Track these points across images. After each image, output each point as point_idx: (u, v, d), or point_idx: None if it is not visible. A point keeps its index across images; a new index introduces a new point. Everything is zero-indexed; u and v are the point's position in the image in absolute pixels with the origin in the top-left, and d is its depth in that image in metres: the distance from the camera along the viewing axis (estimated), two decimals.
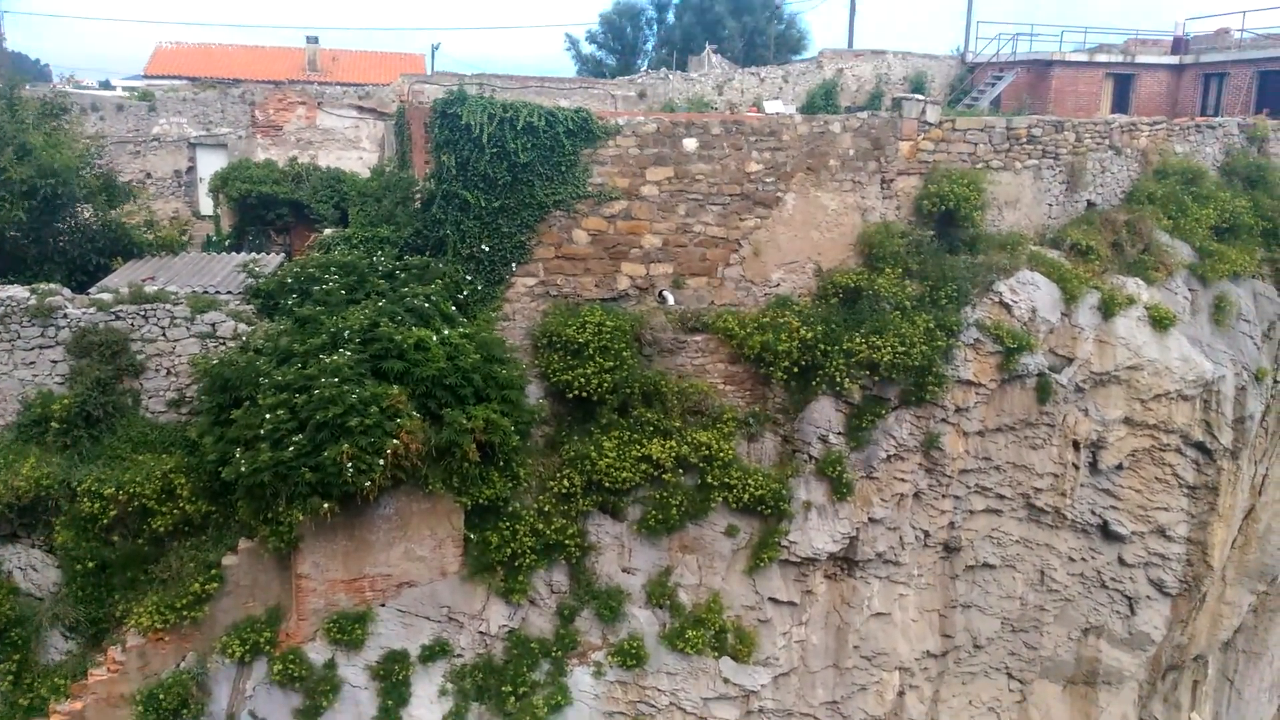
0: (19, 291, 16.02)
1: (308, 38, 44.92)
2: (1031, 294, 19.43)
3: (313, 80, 37.67)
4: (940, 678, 20.61)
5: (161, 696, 14.90)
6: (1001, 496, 20.16)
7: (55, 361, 15.95)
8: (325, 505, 14.25)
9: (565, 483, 16.86)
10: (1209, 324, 21.33)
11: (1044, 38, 34.40)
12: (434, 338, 15.36)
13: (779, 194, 18.57)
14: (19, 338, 15.86)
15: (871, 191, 19.22)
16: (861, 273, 18.67)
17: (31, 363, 15.93)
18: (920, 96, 20.52)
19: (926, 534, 19.75)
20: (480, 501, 16.04)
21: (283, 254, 22.57)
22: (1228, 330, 21.48)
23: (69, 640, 15.72)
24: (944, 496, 19.67)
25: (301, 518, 14.46)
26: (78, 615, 15.53)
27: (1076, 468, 20.38)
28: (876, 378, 18.41)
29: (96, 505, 15.00)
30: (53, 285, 16.52)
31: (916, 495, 19.47)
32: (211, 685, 15.35)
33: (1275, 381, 22.18)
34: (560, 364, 17.09)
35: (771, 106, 29.65)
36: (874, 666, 19.56)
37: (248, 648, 15.27)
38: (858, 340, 17.94)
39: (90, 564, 15.39)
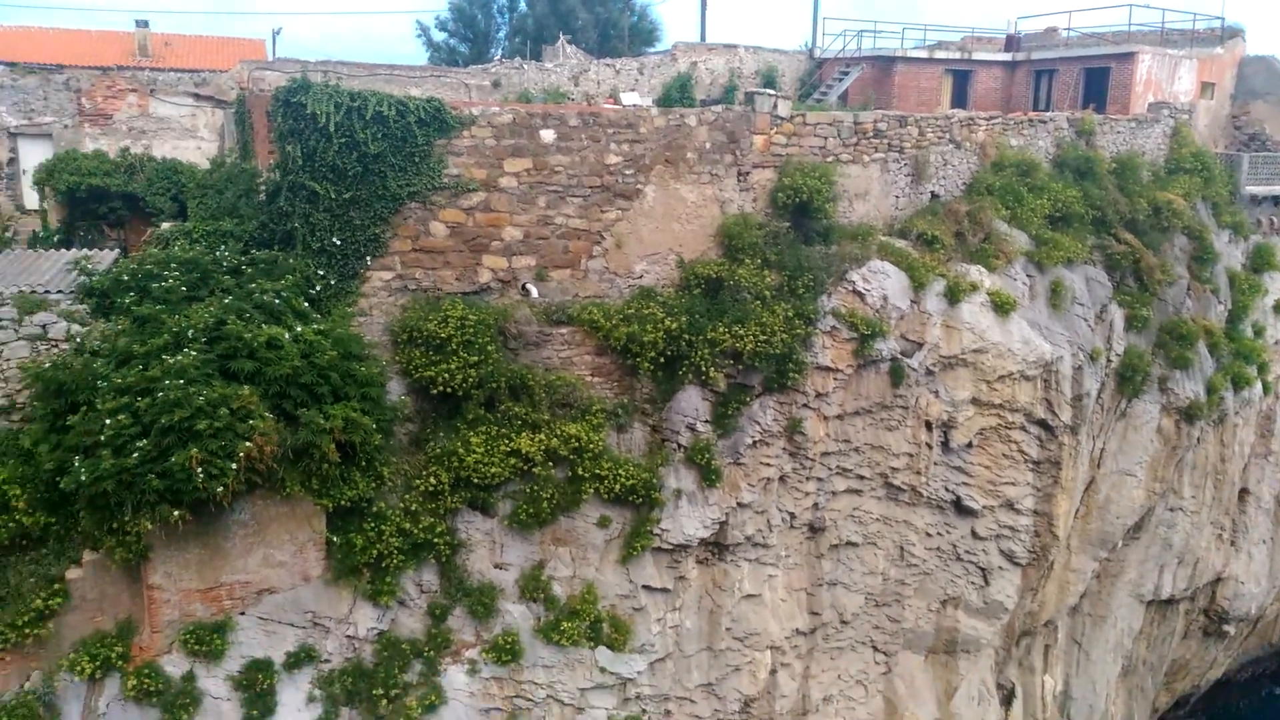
0: None
1: (137, 21, 42.32)
2: (883, 282, 20.13)
3: (144, 66, 35.56)
4: (810, 654, 21.18)
5: (6, 719, 13.88)
6: (861, 477, 20.85)
7: None
8: (175, 513, 13.54)
9: (432, 480, 16.50)
10: (1046, 308, 22.59)
11: (887, 34, 35.58)
12: (286, 335, 14.77)
13: (639, 186, 18.64)
14: None
15: (729, 184, 19.53)
16: (722, 263, 18.96)
17: None
18: (772, 91, 20.97)
19: (792, 516, 20.25)
20: (342, 503, 15.53)
21: (118, 250, 21.20)
22: (1064, 313, 22.80)
23: None
24: (808, 479, 20.20)
25: (150, 527, 13.71)
26: None
27: (930, 447, 21.25)
28: (740, 366, 18.75)
29: None
30: None
31: (782, 479, 19.93)
32: (60, 705, 14.39)
33: (1108, 361, 23.68)
34: (422, 359, 16.70)
35: (628, 99, 29.75)
36: (746, 647, 19.93)
37: (98, 664, 14.41)
38: (721, 330, 18.20)
39: None
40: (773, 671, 20.40)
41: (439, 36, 53.62)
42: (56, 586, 14.38)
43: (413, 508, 16.41)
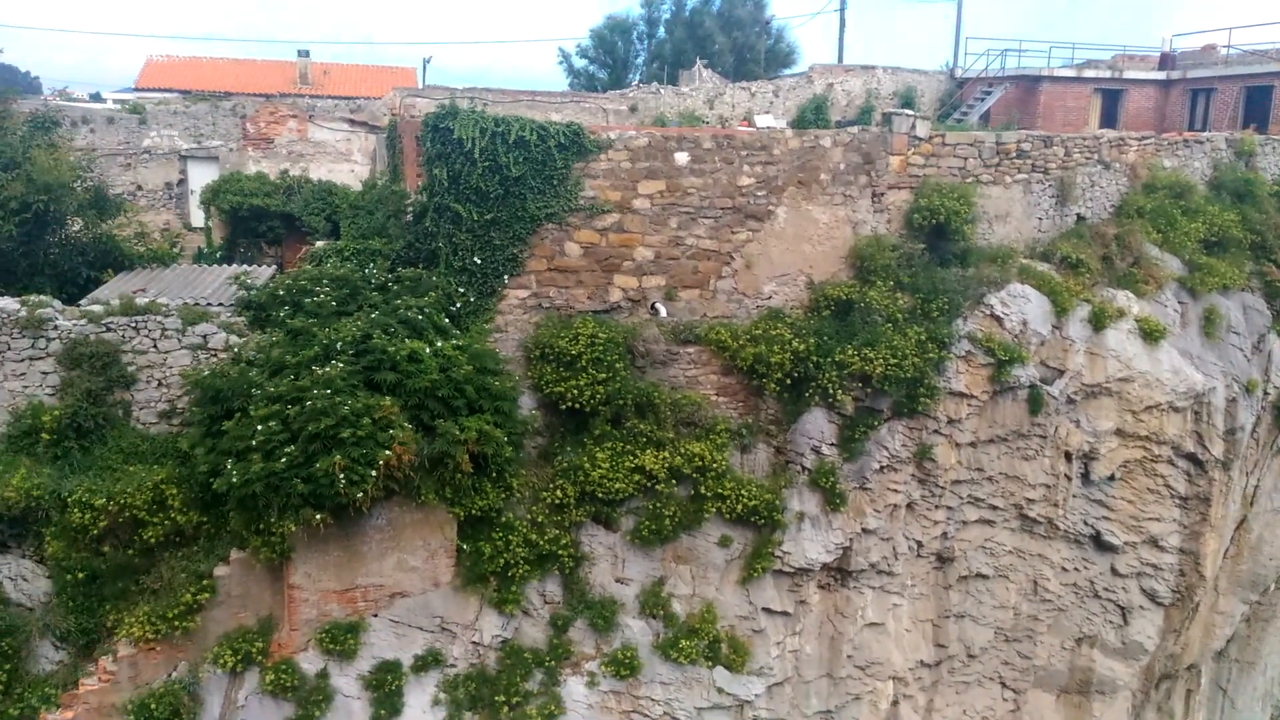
0: (9, 303, 15.99)
1: (299, 51, 45.06)
2: (1022, 306, 19.54)
3: (304, 94, 37.72)
4: (934, 687, 20.61)
5: (153, 706, 14.80)
6: (994, 507, 20.22)
7: (46, 373, 15.91)
8: (318, 516, 14.22)
9: (558, 493, 16.85)
10: (1199, 336, 21.47)
11: (1032, 53, 34.64)
12: (427, 349, 15.37)
13: (770, 207, 18.67)
14: (9, 349, 15.82)
15: (862, 205, 19.34)
16: (853, 285, 18.77)
17: (22, 374, 15.88)
18: (910, 111, 20.69)
19: (920, 544, 19.79)
20: (473, 512, 16.02)
21: (274, 266, 22.58)
22: (1218, 343, 21.62)
23: (59, 650, 15.62)
24: (937, 507, 19.72)
25: (294, 528, 14.43)
26: (68, 625, 15.43)
27: (1069, 478, 20.45)
28: (869, 389, 18.49)
29: (87, 516, 14.93)
30: (43, 297, 16.47)
31: (909, 506, 19.52)
32: (203, 695, 15.25)
33: (1265, 393, 22.32)
34: (553, 375, 17.11)
35: (762, 121, 29.81)
36: (868, 676, 19.55)
37: (240, 657, 15.20)
38: (850, 352, 18.02)
39: (81, 574, 15.30)
40: (894, 703, 19.93)
41: (580, 63, 54.98)
42: (205, 582, 15.27)
43: (539, 519, 16.80)
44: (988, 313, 19.36)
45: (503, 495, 16.38)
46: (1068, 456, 20.35)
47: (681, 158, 18.11)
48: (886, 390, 18.41)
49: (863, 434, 18.71)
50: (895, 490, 19.16)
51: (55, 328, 15.92)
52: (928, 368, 18.58)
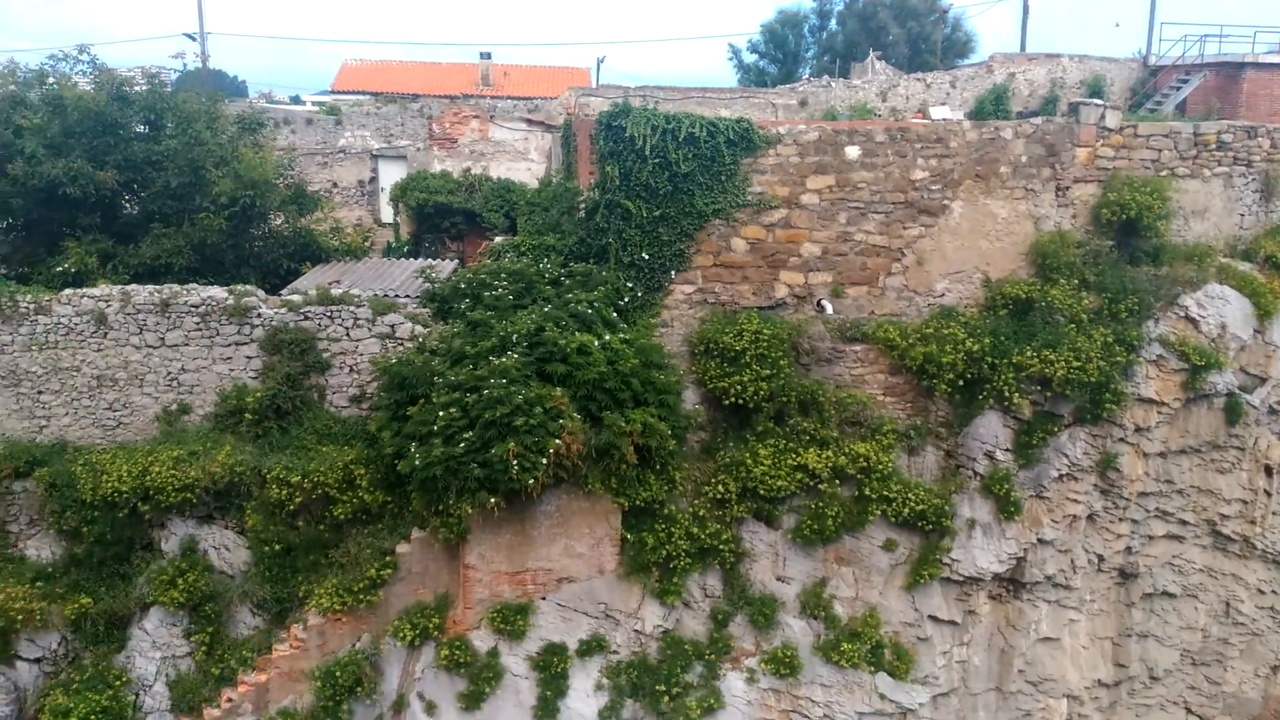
0: (218, 293, 17.36)
1: (481, 54, 46.77)
2: (1221, 309, 18.32)
3: (485, 95, 39.15)
4: (1112, 708, 19.60)
5: (338, 674, 15.83)
6: (1184, 522, 19.04)
7: (250, 357, 17.20)
8: (492, 500, 14.86)
9: (720, 488, 16.96)
10: None
11: (1235, 39, 32.13)
12: (595, 343, 15.78)
13: (945, 202, 18.17)
14: (218, 335, 17.18)
15: (1045, 199, 18.55)
16: (1033, 283, 18.05)
17: (228, 358, 17.22)
18: (1099, 101, 19.70)
19: (1100, 558, 18.85)
20: (637, 503, 16.34)
21: (456, 260, 23.61)
22: None
23: (256, 616, 16.90)
24: (1120, 520, 18.74)
25: (470, 511, 15.12)
26: (264, 594, 16.68)
27: (1269, 494, 19.03)
28: (1049, 393, 17.74)
29: (284, 492, 16.10)
30: (248, 287, 17.81)
31: (1090, 517, 18.64)
32: (384, 666, 16.18)
33: None
34: (717, 371, 17.22)
35: (938, 113, 28.94)
36: (1040, 692, 18.78)
37: (418, 632, 16.04)
38: (1029, 354, 17.35)
39: (277, 546, 16.53)
40: None
41: (749, 59, 54.71)
42: (388, 559, 16.19)
43: (700, 513, 16.95)
44: (1182, 315, 18.23)
45: (666, 488, 16.62)
46: (1268, 471, 18.94)
47: (852, 151, 17.87)
48: (1068, 395, 17.61)
49: (1041, 440, 17.97)
50: (1075, 500, 18.31)
51: (259, 315, 17.19)
52: (1114, 372, 17.68)
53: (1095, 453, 18.25)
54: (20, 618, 16.04)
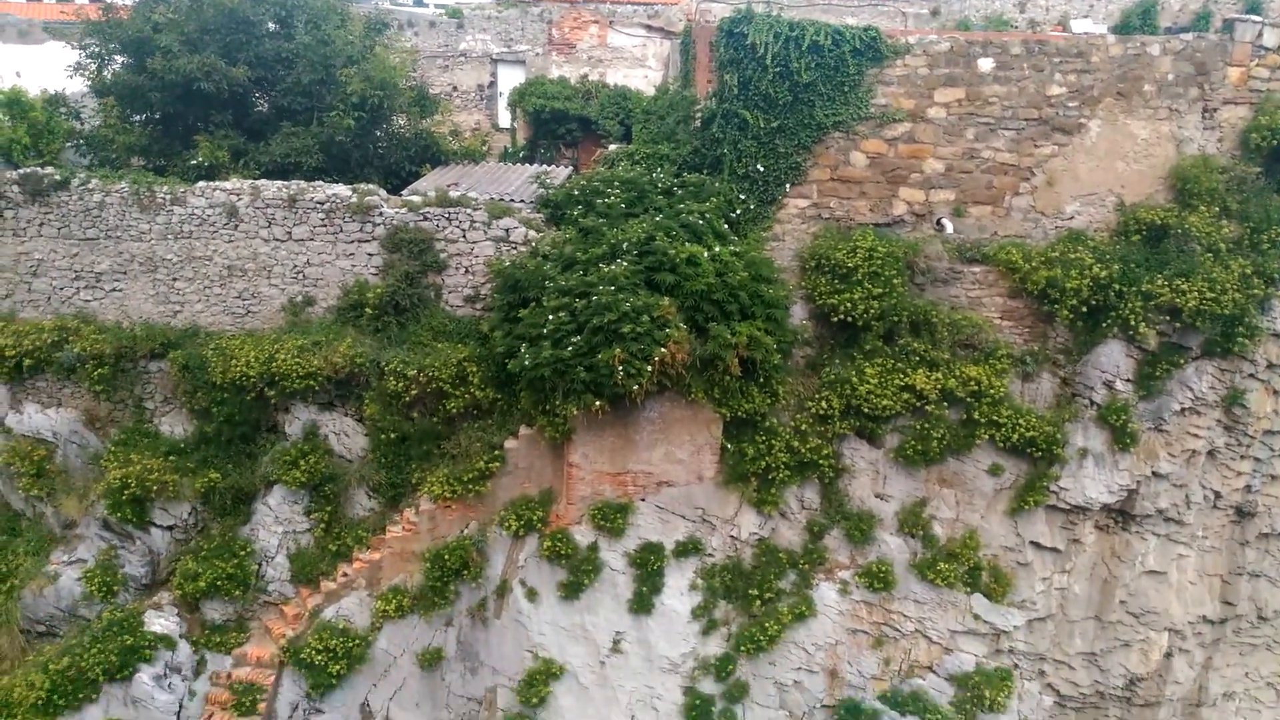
0: (343, 190, 17.89)
1: None
2: None
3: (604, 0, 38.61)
4: (1215, 645, 19.16)
5: (446, 557, 16.66)
6: None
7: (371, 255, 17.76)
8: (597, 403, 15.18)
9: (823, 404, 16.94)
10: None
11: None
12: (705, 254, 15.76)
13: (1082, 120, 17.33)
14: (341, 231, 17.76)
15: (1190, 121, 17.51)
16: (1171, 209, 17.18)
17: (351, 254, 17.83)
18: (1256, 18, 18.29)
19: (1217, 495, 18.25)
20: (739, 414, 16.47)
21: (571, 167, 23.72)
22: None
23: (371, 499, 17.82)
24: (1243, 458, 18.05)
25: (575, 412, 15.51)
26: (380, 479, 17.54)
27: None
28: (1177, 324, 17.03)
29: (400, 384, 16.77)
30: (371, 186, 18.28)
31: (1210, 453, 18.01)
32: (489, 552, 16.95)
33: None
34: (827, 287, 17.03)
35: (1079, 26, 27.34)
36: (1141, 624, 18.47)
37: (522, 523, 16.69)
38: (1159, 282, 16.64)
39: (393, 435, 17.30)
40: (1167, 655, 18.72)
41: None
42: (496, 453, 16.81)
43: (802, 428, 16.99)
44: None
45: (768, 401, 16.69)
46: None
47: (985, 64, 17.14)
48: (1198, 327, 16.88)
49: (1165, 372, 17.33)
50: (1196, 435, 17.68)
51: (380, 214, 17.69)
52: (1250, 305, 16.88)
53: (1222, 387, 17.52)
54: (155, 488, 17.25)
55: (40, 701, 15.98)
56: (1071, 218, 17.66)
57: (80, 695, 16.14)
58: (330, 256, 17.80)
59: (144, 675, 16.43)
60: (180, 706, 16.71)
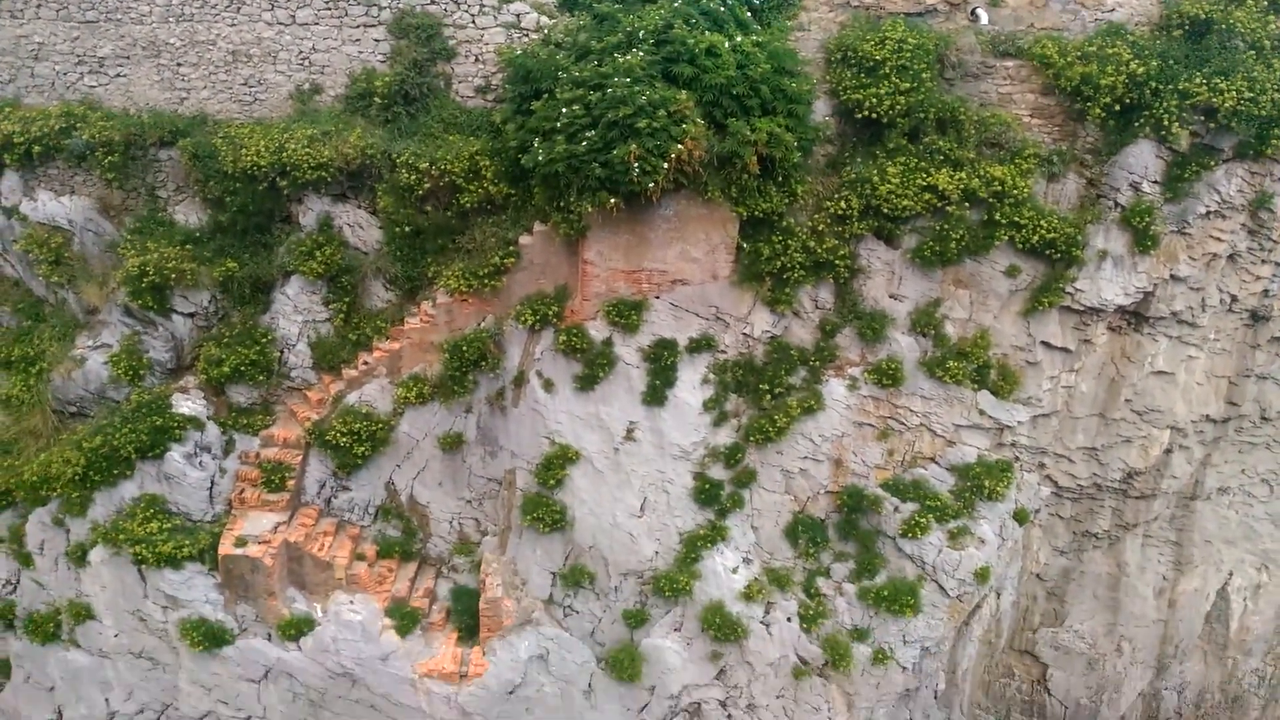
0: None
1: None
2: None
3: None
4: (1215, 443, 19.74)
5: (464, 348, 17.05)
6: None
7: (377, 40, 17.11)
8: (611, 200, 15.02)
9: (842, 204, 16.68)
10: None
11: None
12: (726, 44, 15.07)
13: None
14: (346, 15, 17.05)
15: None
16: (1217, 2, 16.15)
17: (357, 40, 17.16)
18: None
19: (1233, 298, 18.25)
20: (755, 213, 16.27)
21: None
22: None
23: (388, 291, 18.09)
24: (1263, 262, 17.90)
25: (589, 209, 15.38)
26: (396, 271, 17.73)
27: None
28: (1212, 125, 16.42)
29: (413, 177, 16.59)
30: None
31: (1231, 257, 17.83)
32: (506, 345, 17.34)
33: None
34: (853, 81, 16.36)
35: None
36: (1144, 422, 18.95)
37: (537, 318, 16.92)
38: (1197, 80, 15.90)
39: (407, 228, 17.31)
40: (1167, 451, 19.32)
41: None
42: (511, 248, 16.83)
43: (819, 228, 16.81)
44: None
45: (786, 200, 16.44)
46: None
47: None
48: (1233, 128, 16.28)
49: (1194, 174, 16.87)
50: (1218, 239, 17.45)
51: None
52: None
53: (1250, 191, 17.12)
54: (174, 275, 17.49)
55: (77, 477, 16.99)
56: (1113, 10, 16.65)
57: (115, 471, 17.11)
58: (336, 42, 17.16)
59: (175, 454, 17.30)
60: (212, 483, 17.70)
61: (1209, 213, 17.25)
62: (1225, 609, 21.47)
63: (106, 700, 18.49)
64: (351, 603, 17.69)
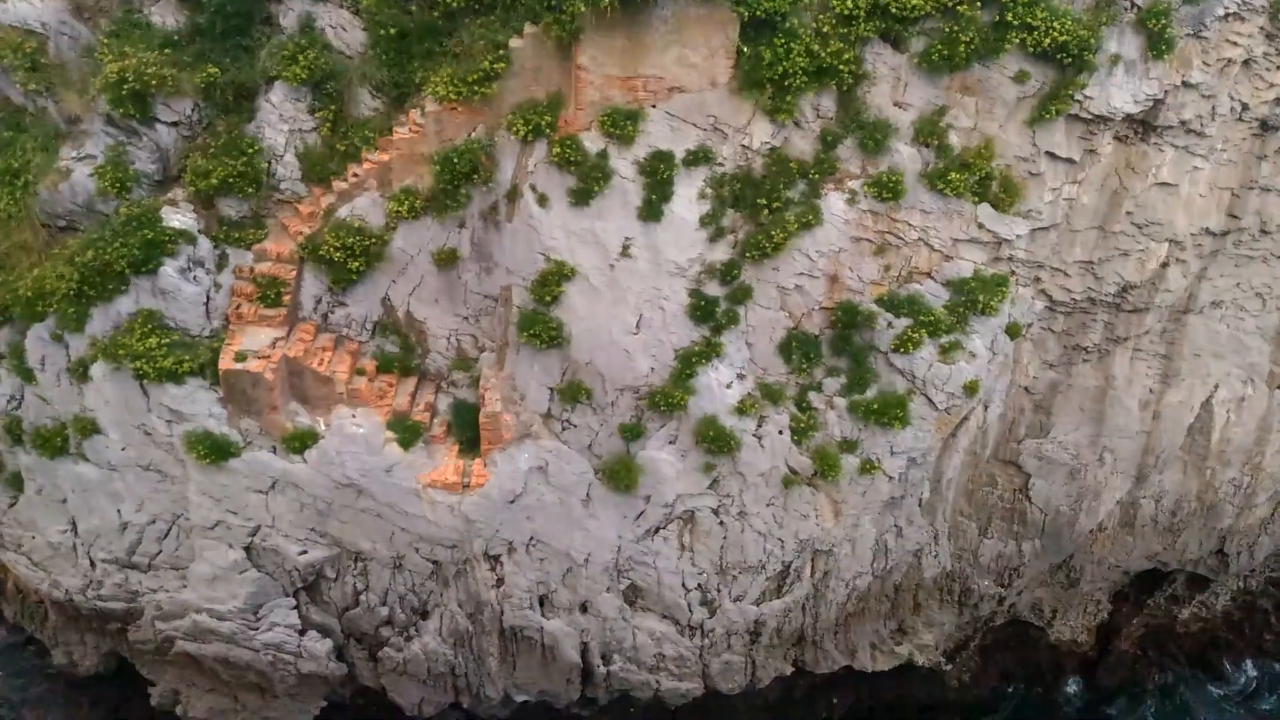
0: None
1: None
2: None
3: None
4: (1212, 256, 19.66)
5: (455, 160, 16.61)
6: None
7: None
8: None
9: (849, 4, 15.87)
10: None
11: None
12: None
13: None
14: None
15: None
16: None
17: None
18: None
19: (1244, 106, 17.75)
20: (757, 14, 15.52)
21: None
22: None
23: (375, 99, 17.47)
24: (1279, 68, 17.27)
25: (582, 9, 14.74)
26: (382, 76, 17.07)
27: None
28: None
29: None
30: None
31: (1246, 63, 17.21)
32: (499, 157, 16.89)
33: None
34: None
35: None
36: (1143, 235, 18.78)
37: (530, 128, 16.37)
38: None
39: (392, 30, 16.57)
40: (1164, 265, 19.25)
41: None
42: (501, 52, 16.07)
43: (824, 29, 16.04)
44: None
45: (789, 0, 15.65)
46: None
47: None
48: None
49: None
50: (1235, 43, 16.82)
51: None
52: None
53: None
54: (154, 82, 16.74)
55: (72, 292, 16.86)
56: None
57: (110, 286, 17.00)
58: None
59: (169, 268, 17.15)
60: (207, 298, 17.64)
61: (1227, 15, 16.54)
62: (1208, 421, 21.96)
63: (119, 511, 19.03)
64: (354, 416, 17.97)
